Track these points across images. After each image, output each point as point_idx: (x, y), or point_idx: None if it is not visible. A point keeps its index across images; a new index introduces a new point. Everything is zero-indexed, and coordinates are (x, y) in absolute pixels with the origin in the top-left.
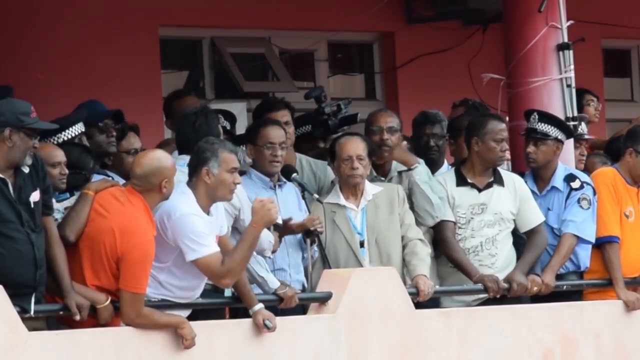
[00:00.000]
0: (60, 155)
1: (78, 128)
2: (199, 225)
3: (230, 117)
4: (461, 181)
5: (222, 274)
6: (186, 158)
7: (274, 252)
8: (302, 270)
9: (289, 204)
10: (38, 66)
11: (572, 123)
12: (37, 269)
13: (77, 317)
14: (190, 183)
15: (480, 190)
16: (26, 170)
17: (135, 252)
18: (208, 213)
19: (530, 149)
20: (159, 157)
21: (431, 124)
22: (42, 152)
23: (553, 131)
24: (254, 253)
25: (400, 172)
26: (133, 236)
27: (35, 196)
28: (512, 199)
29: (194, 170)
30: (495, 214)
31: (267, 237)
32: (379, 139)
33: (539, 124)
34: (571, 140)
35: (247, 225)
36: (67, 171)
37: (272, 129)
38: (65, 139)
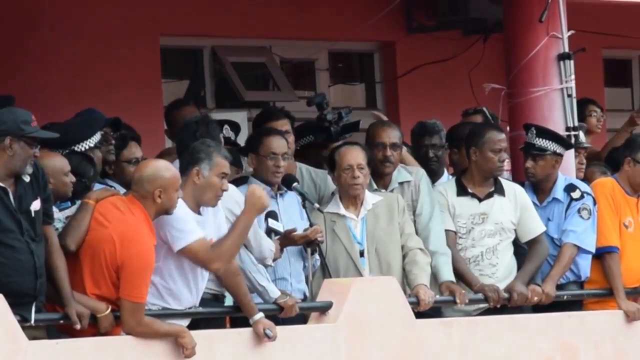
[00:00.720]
0: (67, 164)
1: (97, 137)
2: (181, 214)
3: (235, 127)
4: (462, 191)
5: (211, 258)
6: None
7: (275, 260)
8: (303, 279)
9: (290, 212)
10: (39, 75)
11: (572, 133)
12: (38, 278)
13: (78, 326)
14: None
15: (480, 200)
16: (27, 179)
17: (135, 261)
18: (199, 213)
19: (529, 164)
20: (159, 166)
21: (429, 135)
22: (49, 160)
23: (551, 146)
24: (255, 262)
25: (401, 183)
26: (133, 245)
27: (35, 205)
28: (512, 208)
29: (185, 169)
30: (496, 224)
31: (269, 246)
32: (382, 155)
33: (537, 139)
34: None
35: (262, 242)
36: (74, 179)
37: (275, 139)
38: (86, 148)
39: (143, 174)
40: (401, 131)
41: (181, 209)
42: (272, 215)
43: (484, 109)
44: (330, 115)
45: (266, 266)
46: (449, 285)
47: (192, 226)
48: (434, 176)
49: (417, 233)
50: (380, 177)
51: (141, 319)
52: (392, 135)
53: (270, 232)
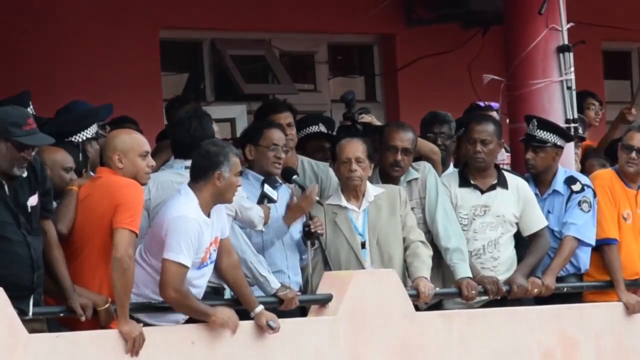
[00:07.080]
0: (69, 161)
1: (93, 129)
2: (191, 232)
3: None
4: (464, 182)
5: (173, 288)
6: (183, 162)
7: (265, 224)
8: (300, 272)
9: (284, 204)
10: (39, 68)
11: (572, 125)
12: (35, 270)
13: (83, 318)
14: (194, 185)
15: (482, 192)
16: (24, 174)
17: (128, 192)
18: (208, 215)
19: (529, 155)
20: (115, 134)
21: (439, 124)
22: (50, 153)
23: (552, 137)
24: (256, 252)
25: (409, 182)
26: (121, 187)
27: (32, 201)
28: (515, 202)
29: (204, 173)
30: (497, 217)
31: (258, 212)
32: (392, 159)
33: (538, 130)
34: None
35: (249, 213)
36: (75, 177)
37: (275, 130)
38: (83, 139)
39: (104, 143)
40: (415, 134)
41: (193, 225)
42: (270, 182)
43: (492, 104)
44: (357, 115)
45: (256, 230)
46: (469, 282)
47: (189, 251)
48: (440, 166)
49: (429, 229)
50: (388, 178)
51: (132, 253)
52: (405, 139)
53: (263, 197)
